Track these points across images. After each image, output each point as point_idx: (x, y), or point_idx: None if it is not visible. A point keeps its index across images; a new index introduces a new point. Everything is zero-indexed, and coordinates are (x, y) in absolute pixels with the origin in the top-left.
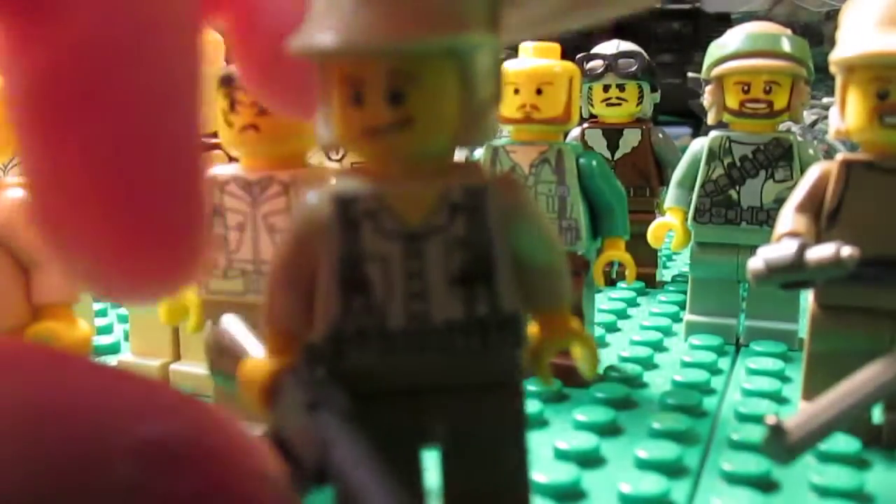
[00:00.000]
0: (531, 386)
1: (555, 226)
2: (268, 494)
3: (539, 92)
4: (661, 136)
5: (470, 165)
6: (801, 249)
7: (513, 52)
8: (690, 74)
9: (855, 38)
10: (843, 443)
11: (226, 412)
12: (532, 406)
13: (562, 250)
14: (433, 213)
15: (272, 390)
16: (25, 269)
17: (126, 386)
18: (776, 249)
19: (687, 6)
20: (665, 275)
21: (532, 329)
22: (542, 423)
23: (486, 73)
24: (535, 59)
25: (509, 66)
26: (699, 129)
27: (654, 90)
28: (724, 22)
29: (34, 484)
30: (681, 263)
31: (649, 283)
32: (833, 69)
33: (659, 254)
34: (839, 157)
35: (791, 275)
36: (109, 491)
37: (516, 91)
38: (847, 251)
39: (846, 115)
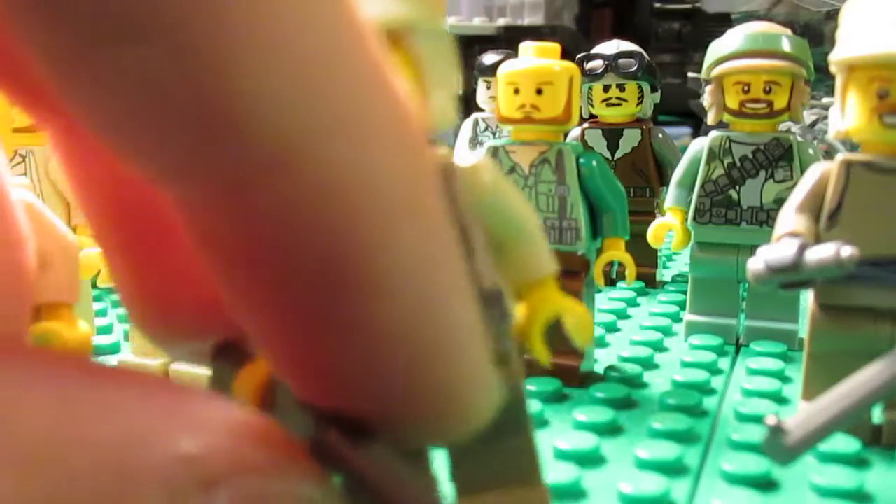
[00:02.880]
0: (531, 386)
1: (555, 226)
2: None
3: (539, 92)
4: (661, 136)
5: (444, 153)
6: (801, 249)
7: (513, 52)
8: (690, 74)
9: (855, 38)
10: (843, 443)
11: (266, 419)
12: (532, 406)
13: (535, 222)
14: None
15: (266, 393)
16: None
17: (155, 395)
18: (776, 250)
19: (687, 6)
20: (665, 275)
21: (520, 307)
22: (542, 422)
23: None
24: (534, 59)
25: (509, 67)
26: (699, 129)
27: (654, 90)
28: (724, 22)
29: None
30: (681, 263)
31: (649, 283)
32: (833, 69)
33: (659, 254)
34: (839, 157)
35: (791, 275)
36: None
37: (516, 91)
38: (847, 251)
39: (846, 114)
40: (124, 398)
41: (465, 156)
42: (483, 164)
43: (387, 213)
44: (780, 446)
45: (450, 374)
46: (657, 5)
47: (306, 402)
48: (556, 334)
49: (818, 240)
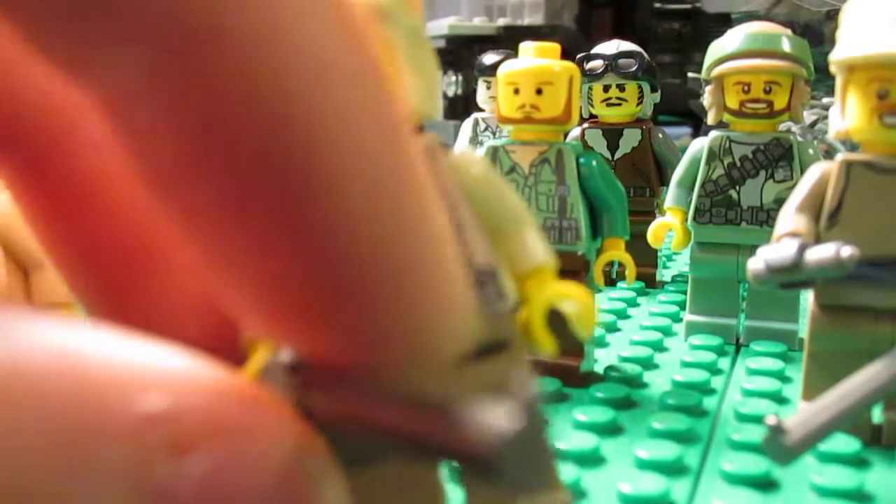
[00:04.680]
0: None
1: (555, 226)
2: (294, 477)
3: (539, 92)
4: (661, 136)
5: (429, 136)
6: (801, 250)
7: (513, 52)
8: (690, 74)
9: (855, 38)
10: (843, 443)
11: (243, 376)
12: None
13: (528, 212)
14: None
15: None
16: (25, 269)
17: (126, 349)
18: (776, 250)
19: (687, 6)
20: (665, 275)
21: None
22: None
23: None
24: (534, 59)
25: (509, 67)
26: (699, 129)
27: (654, 90)
28: (724, 22)
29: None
30: (681, 263)
31: (649, 283)
32: (833, 69)
33: (659, 254)
34: (839, 157)
35: (791, 275)
36: (98, 479)
37: (516, 91)
38: (847, 251)
39: (846, 115)
40: (79, 348)
41: (457, 149)
42: (473, 156)
43: (341, 104)
44: (780, 446)
45: (421, 288)
46: (657, 5)
47: (281, 346)
48: (554, 333)
49: (818, 240)
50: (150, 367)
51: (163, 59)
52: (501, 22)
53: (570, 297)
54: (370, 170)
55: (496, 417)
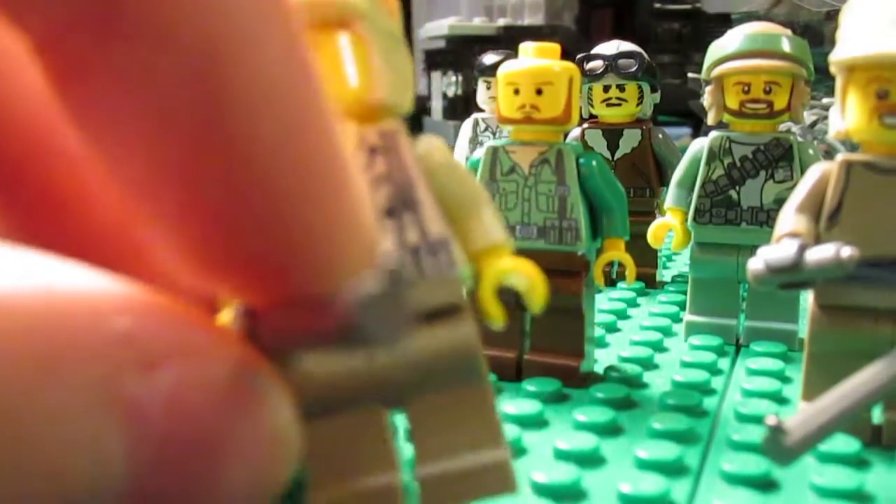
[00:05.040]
0: (531, 386)
1: (555, 226)
2: (246, 390)
3: (539, 92)
4: (661, 136)
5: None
6: (801, 250)
7: (513, 52)
8: (690, 75)
9: (855, 39)
10: (842, 443)
11: (202, 311)
12: (532, 406)
13: (487, 197)
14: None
15: None
16: None
17: (93, 278)
18: (776, 250)
19: (687, 7)
20: (665, 275)
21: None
22: (541, 423)
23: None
24: (534, 59)
25: (509, 67)
26: (699, 129)
27: (654, 90)
28: (724, 22)
29: None
30: (681, 263)
31: (649, 283)
32: (833, 69)
33: (659, 254)
34: (839, 157)
35: (791, 275)
36: (71, 393)
37: (516, 91)
38: (847, 252)
39: (846, 115)
40: (51, 276)
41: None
42: (436, 143)
43: (250, 22)
44: (780, 446)
45: (326, 205)
46: (657, 6)
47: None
48: (555, 334)
49: (818, 240)
50: (117, 293)
51: None
52: (501, 22)
53: (519, 271)
54: (282, 108)
55: (364, 281)
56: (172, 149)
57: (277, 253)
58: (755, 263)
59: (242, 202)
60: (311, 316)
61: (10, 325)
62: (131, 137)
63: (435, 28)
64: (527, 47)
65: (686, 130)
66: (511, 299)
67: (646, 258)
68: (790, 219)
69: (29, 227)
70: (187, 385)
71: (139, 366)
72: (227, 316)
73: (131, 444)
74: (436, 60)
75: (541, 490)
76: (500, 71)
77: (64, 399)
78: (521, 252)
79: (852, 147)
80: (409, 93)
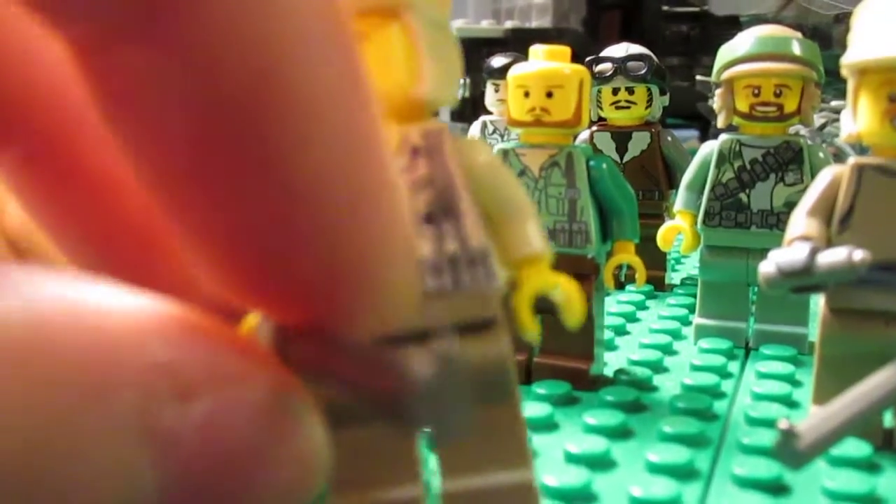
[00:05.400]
0: (540, 389)
1: (565, 229)
2: (280, 414)
3: (549, 95)
4: (670, 139)
5: (437, 122)
6: (813, 253)
7: (521, 55)
8: (699, 77)
9: (867, 41)
10: (854, 447)
11: (234, 327)
12: (542, 409)
13: (529, 203)
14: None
15: None
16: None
17: (131, 302)
18: (788, 253)
19: (695, 9)
20: (674, 278)
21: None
22: (551, 426)
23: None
24: (544, 62)
25: (519, 69)
26: (707, 132)
27: (663, 93)
28: (732, 25)
29: (19, 414)
30: (690, 266)
31: (658, 286)
32: (844, 72)
33: (668, 257)
34: (851, 160)
35: (803, 279)
36: (110, 425)
37: (526, 94)
38: (859, 255)
39: (857, 118)
40: (89, 301)
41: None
42: (480, 143)
43: (316, 70)
44: (791, 450)
45: (371, 235)
46: (665, 8)
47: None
48: (564, 337)
49: (830, 243)
50: (154, 318)
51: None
52: (509, 24)
53: (558, 286)
54: (335, 137)
55: (416, 363)
56: (217, 166)
57: (318, 279)
58: (767, 267)
59: (285, 226)
60: (356, 369)
61: (51, 356)
62: (170, 148)
63: None
64: (537, 50)
65: (694, 133)
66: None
67: (655, 261)
68: (802, 222)
69: (58, 202)
70: (222, 413)
71: (175, 395)
72: (251, 322)
73: (164, 473)
74: None
75: (551, 493)
76: (511, 73)
77: (104, 431)
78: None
79: (861, 150)
80: (456, 87)
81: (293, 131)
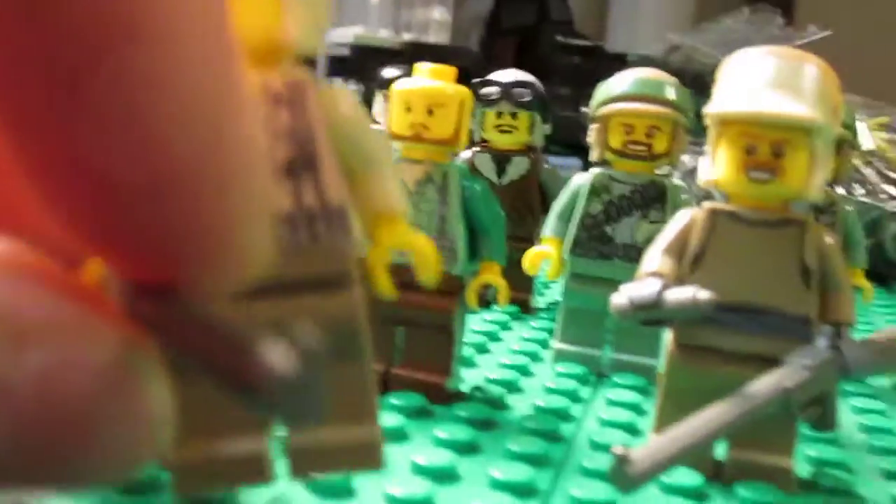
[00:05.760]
0: (395, 400)
1: (434, 244)
2: (123, 372)
3: (430, 112)
4: (547, 166)
5: (300, 70)
6: (662, 289)
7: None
8: (584, 109)
9: (731, 94)
10: (686, 476)
11: (82, 280)
12: (394, 420)
13: (390, 158)
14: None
15: None
16: None
17: None
18: (639, 287)
19: (589, 43)
20: (540, 301)
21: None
22: (402, 436)
23: None
24: (428, 79)
25: (403, 85)
26: (589, 161)
27: (545, 121)
28: (621, 62)
29: None
30: (556, 291)
31: (524, 308)
32: (707, 121)
33: (536, 281)
34: (706, 205)
35: (651, 312)
36: None
37: (408, 109)
38: (703, 295)
39: (716, 165)
40: None
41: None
42: (342, 93)
43: (175, 13)
44: (624, 475)
45: (226, 184)
46: (560, 39)
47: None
48: (424, 351)
49: (682, 281)
50: None
51: None
52: (407, 37)
53: (414, 244)
54: (190, 68)
55: (276, 358)
56: (68, 119)
57: (165, 230)
58: (619, 298)
59: (134, 168)
60: (208, 344)
61: None
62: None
63: (341, 35)
64: (422, 67)
65: (577, 162)
66: (388, 313)
67: (522, 283)
68: (656, 258)
69: None
70: (61, 366)
71: (9, 342)
72: (97, 268)
73: None
74: (338, 68)
75: (394, 503)
76: (394, 88)
77: None
78: (397, 268)
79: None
80: (320, 33)
81: (144, 55)
